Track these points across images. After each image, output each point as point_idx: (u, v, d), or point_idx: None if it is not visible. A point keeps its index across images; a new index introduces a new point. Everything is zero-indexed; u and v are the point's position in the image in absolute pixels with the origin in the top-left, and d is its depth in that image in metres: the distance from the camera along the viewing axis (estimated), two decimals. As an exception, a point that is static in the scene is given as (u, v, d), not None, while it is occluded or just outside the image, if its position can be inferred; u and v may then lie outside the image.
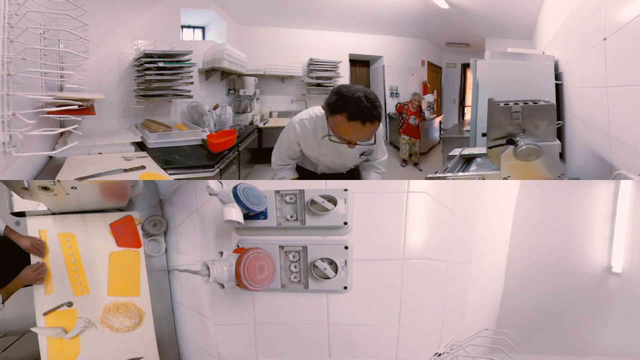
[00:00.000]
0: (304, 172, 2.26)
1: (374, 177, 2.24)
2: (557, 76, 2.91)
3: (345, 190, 1.47)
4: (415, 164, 5.33)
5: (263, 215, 1.52)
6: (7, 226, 2.09)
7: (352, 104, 1.70)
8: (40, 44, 2.26)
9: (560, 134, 2.75)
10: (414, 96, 5.27)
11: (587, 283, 2.24)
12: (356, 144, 1.85)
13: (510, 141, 1.91)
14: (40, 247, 2.11)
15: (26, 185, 1.64)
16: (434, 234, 1.50)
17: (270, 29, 5.16)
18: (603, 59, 1.96)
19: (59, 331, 2.07)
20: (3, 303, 2.01)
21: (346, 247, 1.47)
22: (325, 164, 2.16)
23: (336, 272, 1.47)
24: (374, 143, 1.98)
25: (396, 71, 5.85)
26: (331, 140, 1.87)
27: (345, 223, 1.46)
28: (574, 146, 2.55)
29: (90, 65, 3.33)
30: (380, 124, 2.02)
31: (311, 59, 5.25)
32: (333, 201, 1.47)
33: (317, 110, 2.01)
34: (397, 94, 5.88)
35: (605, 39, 1.93)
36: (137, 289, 2.20)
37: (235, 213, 1.42)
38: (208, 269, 1.40)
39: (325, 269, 1.46)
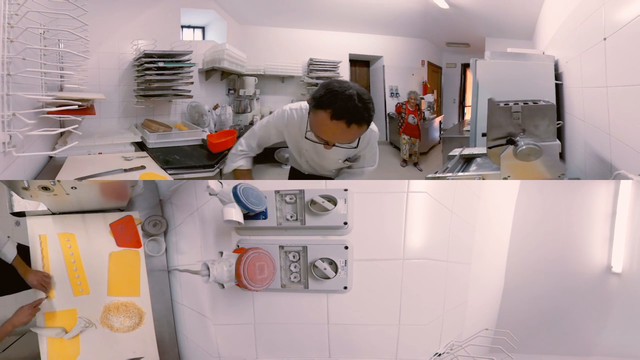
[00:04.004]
0: (294, 173, 2.22)
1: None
2: (557, 76, 2.91)
3: (345, 190, 1.47)
4: (415, 164, 5.33)
5: (263, 215, 1.52)
6: (17, 256, 2.05)
7: (340, 100, 1.53)
8: (40, 44, 2.26)
9: (560, 134, 2.75)
10: (410, 94, 5.27)
11: (587, 283, 2.24)
12: (334, 145, 1.70)
13: (510, 141, 1.91)
14: (47, 285, 2.08)
15: (26, 185, 1.64)
16: (434, 234, 1.50)
17: (270, 29, 5.15)
18: (603, 59, 1.96)
19: (59, 331, 2.07)
20: None
21: (346, 247, 1.46)
22: (306, 161, 2.07)
23: (336, 272, 1.47)
24: (356, 147, 1.81)
25: (396, 71, 5.85)
26: (306, 138, 1.72)
27: (345, 223, 1.46)
28: (574, 146, 2.55)
29: (90, 65, 3.33)
30: (377, 130, 1.93)
31: (311, 59, 5.25)
32: (333, 201, 1.47)
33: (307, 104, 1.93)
34: (397, 94, 5.87)
35: (605, 39, 1.93)
36: (137, 289, 2.20)
37: (235, 213, 1.42)
38: (208, 269, 1.40)
39: (325, 269, 1.46)
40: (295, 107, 1.93)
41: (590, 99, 2.22)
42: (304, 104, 1.89)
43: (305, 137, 1.72)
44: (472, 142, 3.10)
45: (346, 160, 1.99)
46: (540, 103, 1.93)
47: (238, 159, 2.08)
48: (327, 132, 1.62)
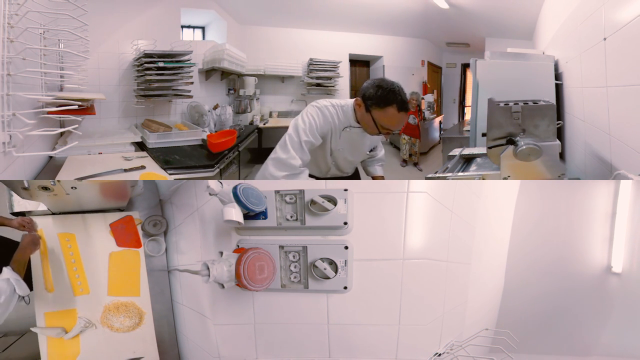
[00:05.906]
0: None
1: (379, 171, 2.30)
2: (557, 76, 2.91)
3: (345, 190, 1.47)
4: (415, 164, 5.33)
5: (263, 215, 1.52)
6: None
7: (398, 95, 1.82)
8: (40, 44, 2.26)
9: (560, 134, 2.75)
10: (412, 95, 5.27)
11: (587, 283, 2.24)
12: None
13: (510, 141, 1.91)
14: (28, 224, 2.08)
15: (26, 185, 1.64)
16: (434, 234, 1.50)
17: (270, 29, 5.16)
18: (603, 59, 1.96)
19: (59, 331, 2.07)
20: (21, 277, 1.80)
21: (346, 247, 1.47)
22: (336, 160, 2.08)
23: (336, 272, 1.47)
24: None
25: (396, 71, 5.84)
26: (380, 133, 1.91)
27: (345, 223, 1.46)
28: (574, 146, 2.55)
29: (90, 65, 3.32)
30: None
31: (311, 59, 5.25)
32: (333, 201, 1.47)
33: (337, 100, 1.97)
34: (397, 94, 5.86)
35: (605, 39, 1.93)
36: (137, 289, 2.20)
37: (235, 213, 1.42)
38: (208, 269, 1.40)
39: (325, 269, 1.46)
40: (327, 104, 1.97)
41: (590, 99, 2.22)
42: (335, 101, 1.98)
43: (380, 133, 1.91)
44: (472, 142, 3.10)
45: (370, 150, 2.20)
46: (540, 103, 1.93)
47: (296, 178, 1.84)
48: (395, 122, 1.87)
